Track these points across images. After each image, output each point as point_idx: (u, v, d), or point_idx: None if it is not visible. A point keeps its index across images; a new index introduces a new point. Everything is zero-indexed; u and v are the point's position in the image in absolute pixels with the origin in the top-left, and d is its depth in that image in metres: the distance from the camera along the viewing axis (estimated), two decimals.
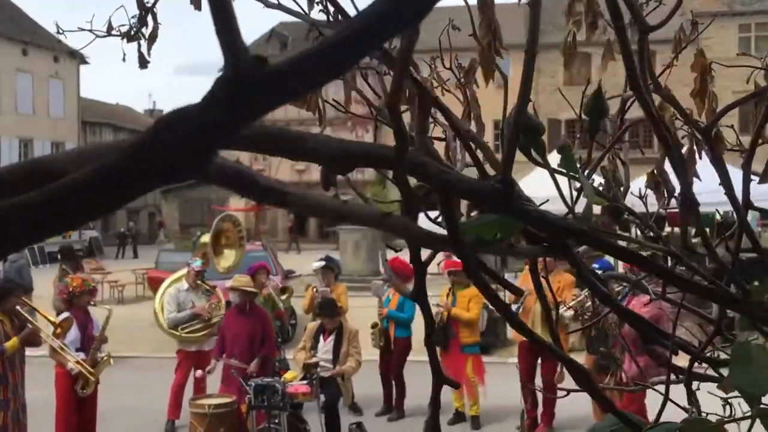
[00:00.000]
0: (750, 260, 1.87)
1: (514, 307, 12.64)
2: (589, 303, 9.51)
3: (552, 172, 1.25)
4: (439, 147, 1.61)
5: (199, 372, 12.16)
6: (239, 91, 0.76)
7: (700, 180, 1.95)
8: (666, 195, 2.02)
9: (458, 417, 12.82)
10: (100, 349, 10.66)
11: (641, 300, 7.86)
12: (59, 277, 17.75)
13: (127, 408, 13.35)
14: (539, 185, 2.12)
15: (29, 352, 10.28)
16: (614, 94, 1.88)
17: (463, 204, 1.40)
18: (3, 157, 50.38)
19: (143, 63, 2.98)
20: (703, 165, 2.26)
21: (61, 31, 3.08)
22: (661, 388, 1.91)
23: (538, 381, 12.18)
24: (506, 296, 16.22)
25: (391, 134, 1.25)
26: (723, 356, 1.92)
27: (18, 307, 9.91)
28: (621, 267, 12.03)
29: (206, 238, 13.61)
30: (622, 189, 1.84)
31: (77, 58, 59.07)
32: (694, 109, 1.96)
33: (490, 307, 17.78)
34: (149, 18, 2.80)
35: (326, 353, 11.79)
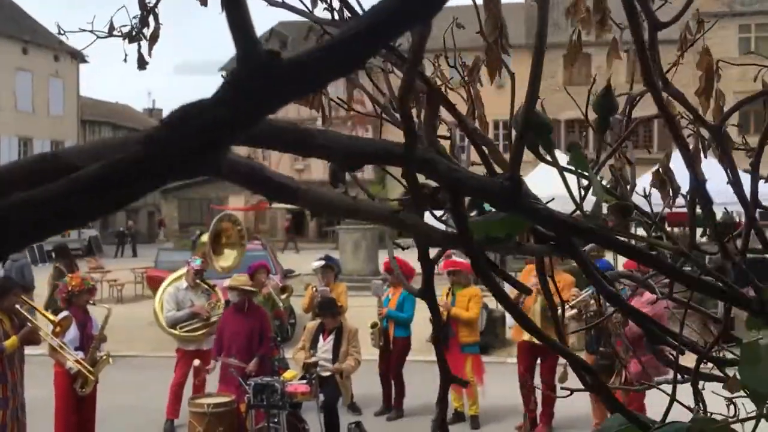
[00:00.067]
0: (752, 260, 1.87)
1: None
2: (593, 302, 9.50)
3: (561, 170, 1.25)
4: (443, 144, 1.61)
5: (197, 361, 12.13)
6: (252, 85, 0.76)
7: (706, 180, 1.94)
8: (671, 193, 2.02)
9: (457, 417, 12.82)
10: (99, 348, 10.65)
11: (641, 300, 7.85)
12: (54, 276, 17.75)
13: (126, 407, 13.35)
14: (541, 184, 2.11)
15: (28, 350, 10.28)
16: (616, 92, 1.87)
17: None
18: (2, 155, 50.39)
19: (142, 64, 2.97)
20: (706, 164, 2.25)
21: (62, 32, 3.07)
22: (666, 387, 1.90)
23: (537, 381, 12.21)
24: None
25: (393, 133, 1.24)
26: (728, 356, 1.91)
27: (17, 306, 9.91)
28: (620, 267, 12.04)
29: (206, 238, 13.60)
30: (628, 187, 1.83)
31: (77, 57, 59.10)
32: (699, 109, 1.95)
33: (489, 306, 17.83)
34: (150, 18, 2.80)
35: (326, 352, 11.80)
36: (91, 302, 11.00)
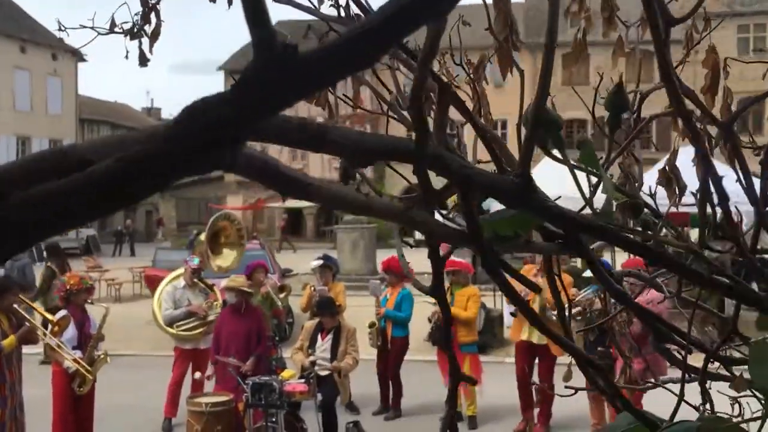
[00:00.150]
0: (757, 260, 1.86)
1: (512, 308, 12.66)
2: (597, 301, 9.50)
3: (571, 167, 1.24)
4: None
5: (198, 374, 12.14)
6: (268, 79, 0.75)
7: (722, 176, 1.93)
8: (677, 192, 2.01)
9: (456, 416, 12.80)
10: (97, 347, 10.64)
11: (641, 299, 7.85)
12: (45, 275, 17.69)
13: (124, 406, 13.33)
14: (542, 182, 2.11)
15: (26, 350, 10.26)
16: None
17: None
18: (0, 154, 50.33)
19: (143, 61, 2.96)
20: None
21: (63, 28, 3.06)
22: (670, 386, 1.90)
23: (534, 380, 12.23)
24: (503, 297, 16.24)
25: (398, 132, 1.23)
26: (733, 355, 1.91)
27: (15, 305, 9.90)
28: (618, 267, 12.03)
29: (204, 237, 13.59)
30: (636, 185, 1.83)
31: (75, 55, 59.07)
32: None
33: (487, 306, 17.82)
34: (152, 15, 2.79)
35: (324, 352, 11.79)
36: (89, 301, 10.99)
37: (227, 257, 13.22)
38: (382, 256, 16.58)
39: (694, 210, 2.15)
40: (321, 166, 48.45)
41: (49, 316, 10.54)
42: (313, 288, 14.03)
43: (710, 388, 1.74)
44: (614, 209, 1.33)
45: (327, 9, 1.89)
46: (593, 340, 10.17)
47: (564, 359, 12.45)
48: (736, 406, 2.03)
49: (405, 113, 1.76)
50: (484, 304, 16.91)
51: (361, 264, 29.70)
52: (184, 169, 0.76)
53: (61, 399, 10.44)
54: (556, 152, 1.29)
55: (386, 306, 13.41)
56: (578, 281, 11.04)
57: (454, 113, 1.54)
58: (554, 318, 11.75)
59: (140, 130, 0.89)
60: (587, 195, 1.26)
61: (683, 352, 1.61)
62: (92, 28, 2.82)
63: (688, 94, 1.47)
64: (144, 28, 2.82)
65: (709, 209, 1.55)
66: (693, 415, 1.69)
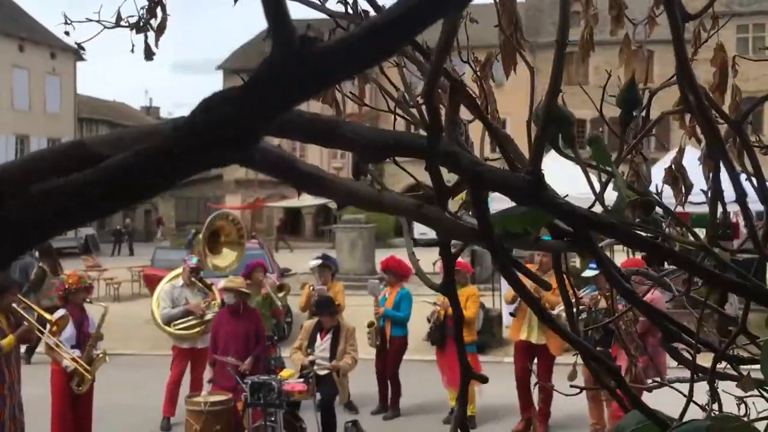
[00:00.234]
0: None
1: (511, 308, 12.65)
2: (603, 300, 9.49)
3: (583, 165, 1.23)
4: None
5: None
6: (286, 71, 0.74)
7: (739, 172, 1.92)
8: (684, 191, 2.01)
9: None
10: (95, 346, 10.63)
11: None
12: (37, 275, 17.66)
13: (123, 405, 13.32)
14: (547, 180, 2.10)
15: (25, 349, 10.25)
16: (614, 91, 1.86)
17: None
18: None
19: (149, 55, 2.96)
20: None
21: (69, 22, 3.04)
22: (678, 385, 1.89)
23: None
24: (501, 297, 16.23)
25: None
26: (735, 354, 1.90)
27: (14, 305, 9.89)
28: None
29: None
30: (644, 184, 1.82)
31: (74, 54, 59.04)
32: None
33: (486, 306, 17.81)
34: (158, 10, 2.78)
35: (323, 351, 11.78)
36: (88, 300, 10.98)
37: (227, 257, 13.19)
38: (381, 255, 16.58)
39: (698, 210, 2.15)
40: (320, 162, 48.43)
41: (47, 316, 10.53)
42: (312, 287, 14.02)
43: (717, 387, 1.73)
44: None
45: (334, 5, 1.89)
46: (598, 339, 10.16)
47: (563, 359, 12.47)
48: (742, 406, 2.02)
49: (412, 111, 1.76)
50: (483, 304, 16.90)
51: (360, 264, 29.68)
52: (200, 164, 0.76)
53: (59, 398, 10.43)
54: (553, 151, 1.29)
55: (385, 305, 13.41)
56: (577, 281, 11.03)
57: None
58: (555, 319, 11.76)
59: (156, 124, 0.88)
60: (597, 193, 1.25)
61: (691, 351, 1.61)
62: (98, 21, 2.81)
63: (694, 94, 1.46)
64: (150, 21, 2.81)
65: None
66: (699, 415, 1.69)
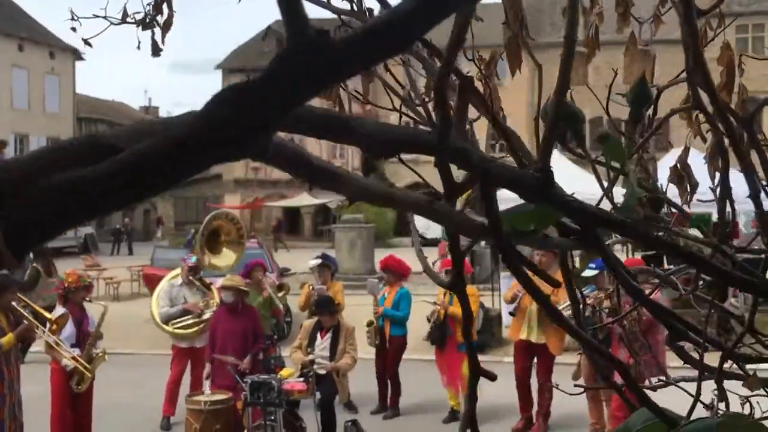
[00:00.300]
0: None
1: (510, 308, 12.65)
2: (607, 300, 9.50)
3: (593, 162, 1.23)
4: None
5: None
6: (301, 64, 0.74)
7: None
8: (689, 189, 2.00)
9: (453, 416, 12.80)
10: (95, 345, 10.63)
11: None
12: (31, 276, 17.63)
13: (123, 405, 13.30)
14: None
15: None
16: (617, 90, 1.86)
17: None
18: None
19: (156, 51, 2.95)
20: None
21: (75, 18, 3.03)
22: (684, 384, 1.89)
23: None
24: (501, 296, 16.23)
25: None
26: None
27: (14, 303, 9.89)
28: None
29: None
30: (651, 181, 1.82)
31: (73, 54, 59.07)
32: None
33: (486, 306, 17.80)
34: (164, 6, 2.78)
35: (323, 350, 11.77)
36: (88, 299, 10.97)
37: (227, 257, 13.16)
38: (380, 255, 16.57)
39: (699, 209, 2.14)
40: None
41: (47, 314, 10.53)
42: (311, 287, 14.01)
43: (721, 388, 1.73)
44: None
45: (340, 2, 1.88)
46: (602, 339, 10.16)
47: (562, 359, 12.48)
48: (747, 405, 2.02)
49: (418, 109, 1.75)
50: (483, 304, 16.90)
51: (359, 263, 29.65)
52: (214, 157, 0.75)
53: (59, 397, 10.43)
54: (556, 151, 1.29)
55: (384, 305, 13.40)
56: (577, 281, 11.01)
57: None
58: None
59: (171, 117, 0.87)
60: (605, 190, 1.25)
61: (696, 350, 1.60)
62: (105, 17, 2.81)
63: (708, 90, 1.46)
64: (156, 18, 2.80)
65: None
66: (703, 414, 1.68)
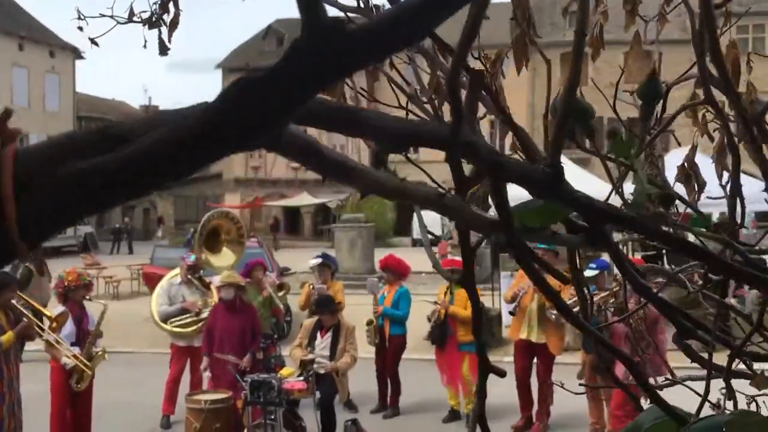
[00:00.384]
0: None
1: (510, 307, 12.64)
2: (614, 299, 9.50)
3: (603, 158, 1.22)
4: None
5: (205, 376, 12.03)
6: (316, 54, 0.73)
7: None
8: (697, 188, 1.99)
9: (453, 415, 12.81)
10: (95, 343, 10.62)
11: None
12: (23, 275, 17.62)
13: (122, 403, 13.30)
14: None
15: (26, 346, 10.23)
16: (620, 90, 1.86)
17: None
18: None
19: (164, 50, 2.94)
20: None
21: (82, 17, 3.02)
22: (691, 383, 1.88)
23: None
24: (501, 296, 16.22)
25: None
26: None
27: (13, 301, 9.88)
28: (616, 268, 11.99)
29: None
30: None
31: (73, 52, 59.08)
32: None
33: (486, 306, 17.79)
34: (170, 5, 2.77)
35: (323, 349, 11.76)
36: (88, 298, 10.96)
37: (227, 256, 13.14)
38: (380, 254, 16.57)
39: (705, 210, 2.14)
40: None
41: (47, 312, 10.52)
42: (312, 286, 14.01)
43: (729, 387, 1.72)
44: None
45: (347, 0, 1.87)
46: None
47: (563, 358, 12.48)
48: (753, 404, 2.02)
49: (425, 106, 1.75)
50: (483, 304, 16.88)
51: (359, 263, 29.65)
52: (228, 148, 0.75)
53: (59, 395, 10.43)
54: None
55: (384, 304, 13.40)
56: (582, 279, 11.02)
57: None
58: (553, 318, 11.80)
59: (184, 108, 0.87)
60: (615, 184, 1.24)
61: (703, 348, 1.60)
62: (111, 17, 2.80)
63: (720, 86, 1.45)
64: (162, 17, 2.80)
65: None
66: (709, 412, 1.68)
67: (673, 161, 2.39)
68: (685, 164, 2.03)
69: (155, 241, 48.83)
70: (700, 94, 1.70)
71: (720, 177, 1.92)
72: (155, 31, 2.84)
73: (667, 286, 1.98)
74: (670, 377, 1.94)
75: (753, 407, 1.93)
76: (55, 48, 57.92)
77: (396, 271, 13.68)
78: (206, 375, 11.83)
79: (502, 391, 12.36)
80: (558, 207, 1.19)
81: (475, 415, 1.34)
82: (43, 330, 10.22)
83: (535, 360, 12.20)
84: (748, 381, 1.70)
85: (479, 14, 0.92)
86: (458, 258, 13.71)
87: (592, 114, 1.24)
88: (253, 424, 10.62)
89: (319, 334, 11.91)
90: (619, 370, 6.74)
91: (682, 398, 1.69)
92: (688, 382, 1.83)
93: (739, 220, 1.55)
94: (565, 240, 1.36)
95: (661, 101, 1.70)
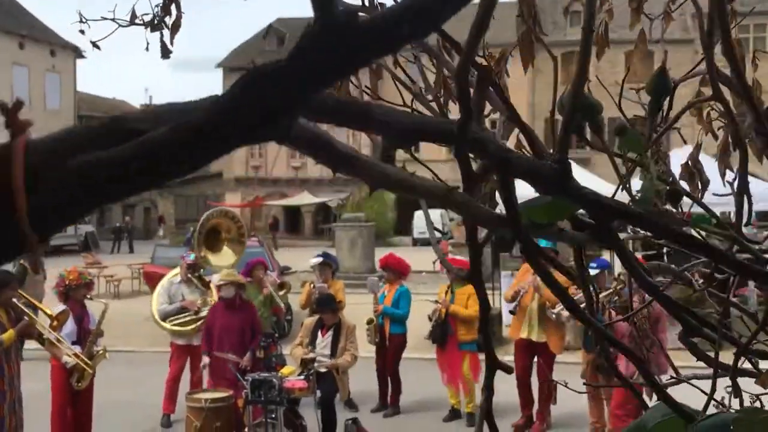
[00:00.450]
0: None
1: (510, 306, 12.64)
2: (617, 297, 9.49)
3: (611, 154, 1.22)
4: None
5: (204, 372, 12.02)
6: (327, 46, 0.73)
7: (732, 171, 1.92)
8: (701, 186, 1.99)
9: (454, 414, 12.82)
10: (96, 342, 10.62)
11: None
12: (19, 273, 17.60)
13: (123, 402, 13.30)
14: None
15: (25, 345, 10.22)
16: (611, 88, 1.86)
17: None
18: None
19: (165, 53, 2.94)
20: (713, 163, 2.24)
21: (84, 20, 3.02)
22: (696, 381, 1.88)
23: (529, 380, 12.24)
24: (501, 295, 16.22)
25: None
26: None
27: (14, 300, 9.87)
28: (618, 267, 12.01)
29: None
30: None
31: (74, 51, 59.06)
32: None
33: None
34: (173, 7, 2.76)
35: (324, 348, 11.76)
36: (88, 297, 10.95)
37: (227, 256, 13.13)
38: (380, 254, 16.57)
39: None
40: (319, 165, 48.41)
41: (48, 311, 10.52)
42: (312, 285, 14.01)
43: (735, 385, 1.72)
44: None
45: None
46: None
47: (563, 357, 12.47)
48: (757, 402, 2.01)
49: (431, 104, 1.74)
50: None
51: (360, 262, 29.65)
52: (238, 140, 0.74)
53: (59, 394, 10.42)
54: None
55: (384, 303, 13.40)
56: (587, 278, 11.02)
57: None
58: (553, 317, 11.80)
59: (195, 100, 0.86)
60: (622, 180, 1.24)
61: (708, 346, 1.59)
62: (113, 20, 2.79)
63: (728, 83, 1.45)
64: (164, 19, 2.79)
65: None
66: (713, 411, 1.67)
67: (674, 160, 2.38)
68: (689, 162, 2.02)
69: (156, 240, 48.84)
70: (704, 92, 1.69)
71: (723, 175, 1.92)
72: (157, 32, 2.83)
73: (670, 285, 1.98)
74: (673, 376, 1.93)
75: (757, 405, 1.92)
76: (56, 47, 57.90)
77: (396, 270, 13.68)
78: (206, 372, 11.82)
79: (502, 390, 12.35)
80: (565, 203, 1.19)
81: (483, 411, 1.33)
82: (44, 328, 10.21)
83: (535, 359, 12.19)
84: (753, 380, 1.70)
85: (489, 8, 0.91)
86: (458, 257, 13.74)
87: (600, 110, 1.23)
88: (253, 423, 10.62)
89: (320, 333, 11.91)
90: (620, 368, 6.74)
91: (682, 398, 1.68)
92: (693, 381, 1.83)
93: (746, 218, 1.55)
94: (572, 237, 1.36)
95: (668, 98, 1.70)
